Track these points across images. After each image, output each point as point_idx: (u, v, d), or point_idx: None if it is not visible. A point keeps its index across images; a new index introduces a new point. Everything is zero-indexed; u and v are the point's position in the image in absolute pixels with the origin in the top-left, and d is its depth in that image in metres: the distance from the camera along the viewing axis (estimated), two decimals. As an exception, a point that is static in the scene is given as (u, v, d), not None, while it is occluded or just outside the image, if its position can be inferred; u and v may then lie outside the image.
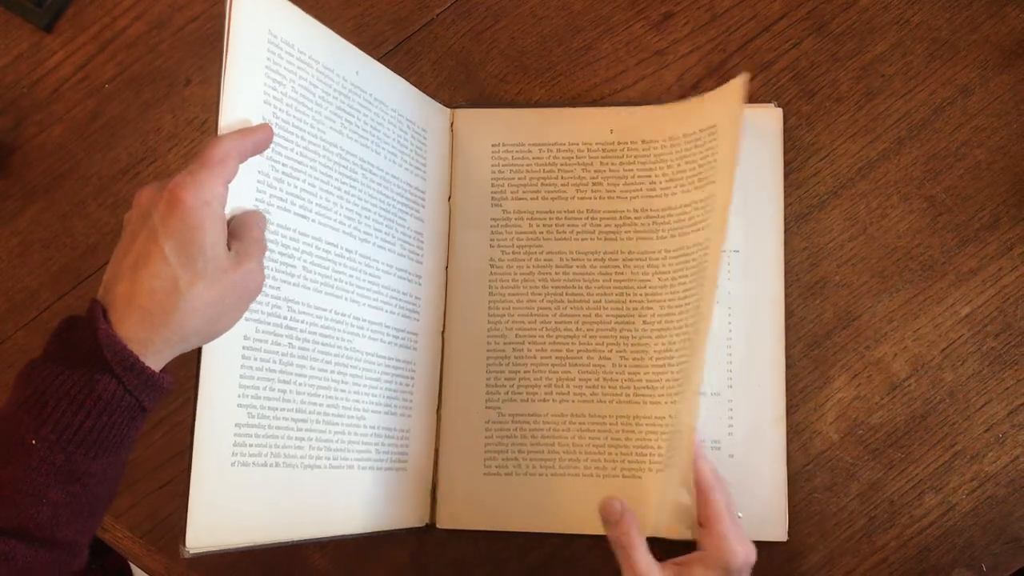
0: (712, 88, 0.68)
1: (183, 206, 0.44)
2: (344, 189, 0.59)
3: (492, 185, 0.68)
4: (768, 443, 0.64)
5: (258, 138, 0.50)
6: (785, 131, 0.67)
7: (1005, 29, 0.67)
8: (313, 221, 0.56)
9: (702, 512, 0.55)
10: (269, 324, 0.53)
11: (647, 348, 0.64)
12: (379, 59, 0.70)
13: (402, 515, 0.63)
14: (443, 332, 0.67)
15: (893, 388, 0.65)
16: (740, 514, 0.60)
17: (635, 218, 0.66)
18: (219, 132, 0.50)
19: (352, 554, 0.65)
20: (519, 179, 0.68)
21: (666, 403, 0.62)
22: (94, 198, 0.71)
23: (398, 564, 0.65)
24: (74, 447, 0.43)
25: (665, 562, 0.54)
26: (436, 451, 0.65)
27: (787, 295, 0.66)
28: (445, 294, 0.67)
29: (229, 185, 0.47)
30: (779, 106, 0.68)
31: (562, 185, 0.68)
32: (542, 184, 0.68)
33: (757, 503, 0.63)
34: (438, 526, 0.65)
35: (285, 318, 0.54)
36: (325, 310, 0.57)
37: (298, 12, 0.57)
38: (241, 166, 0.50)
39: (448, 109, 0.69)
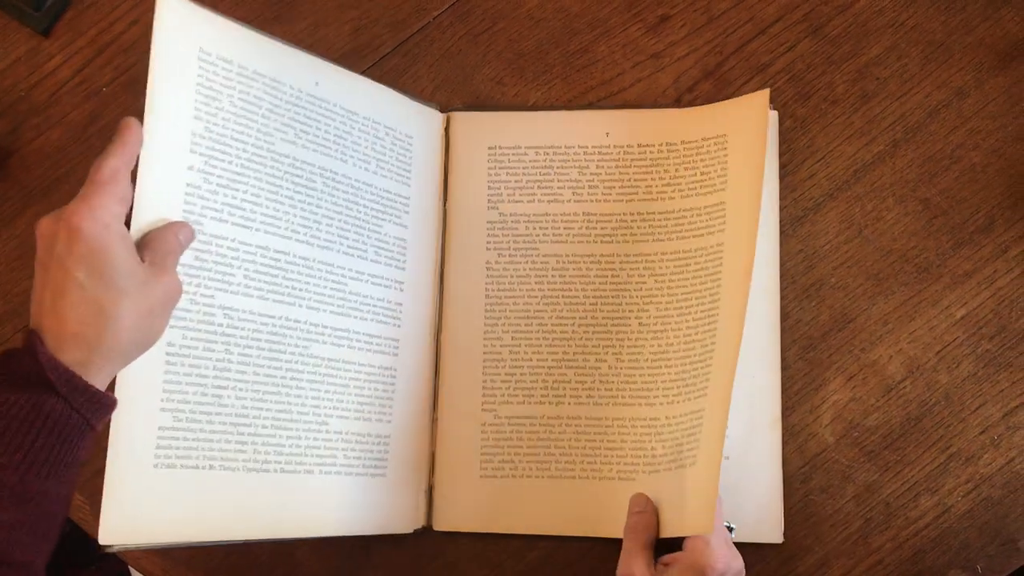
0: (708, 91, 0.69)
1: (83, 233, 0.45)
2: (299, 198, 0.60)
3: (489, 188, 0.68)
4: (764, 445, 0.64)
5: (130, 140, 0.50)
6: (781, 133, 0.68)
7: (1000, 32, 0.67)
8: (257, 231, 0.58)
9: None
10: (200, 331, 0.55)
11: (643, 350, 0.64)
12: (377, 61, 0.71)
13: (385, 521, 0.63)
14: (438, 336, 0.67)
15: (888, 390, 0.65)
16: (733, 525, 0.61)
17: (631, 221, 0.67)
18: (144, 151, 0.52)
19: (348, 556, 0.66)
20: (515, 182, 0.68)
21: (661, 404, 0.63)
22: (92, 201, 0.71)
23: (396, 565, 0.65)
24: (26, 468, 0.43)
25: (657, 560, 0.56)
26: (432, 454, 0.66)
27: (783, 297, 0.66)
28: (440, 298, 0.67)
29: (133, 197, 0.49)
30: (775, 109, 0.68)
31: (558, 188, 0.68)
32: (538, 187, 0.68)
33: (753, 505, 0.63)
34: (435, 528, 0.65)
35: (221, 325, 0.56)
36: (273, 316, 0.58)
37: (238, 29, 0.58)
38: (166, 179, 0.52)
39: (440, 113, 0.70)
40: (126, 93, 0.72)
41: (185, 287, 0.53)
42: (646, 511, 0.59)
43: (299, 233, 0.60)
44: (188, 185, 0.55)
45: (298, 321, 0.59)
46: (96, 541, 0.65)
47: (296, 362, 0.59)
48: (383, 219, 0.65)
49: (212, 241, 0.56)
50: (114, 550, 0.52)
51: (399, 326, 0.65)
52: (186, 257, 0.54)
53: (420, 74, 0.71)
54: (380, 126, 0.66)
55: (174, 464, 0.54)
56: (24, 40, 0.73)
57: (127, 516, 0.51)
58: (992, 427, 0.63)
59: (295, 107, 0.61)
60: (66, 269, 0.45)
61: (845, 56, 0.68)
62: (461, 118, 0.70)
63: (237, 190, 0.57)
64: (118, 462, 0.51)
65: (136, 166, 0.52)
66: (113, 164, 0.48)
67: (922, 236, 0.66)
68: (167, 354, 0.53)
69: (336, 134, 0.63)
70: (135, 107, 0.72)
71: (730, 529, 0.60)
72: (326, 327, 0.61)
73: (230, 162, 0.57)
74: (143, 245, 0.50)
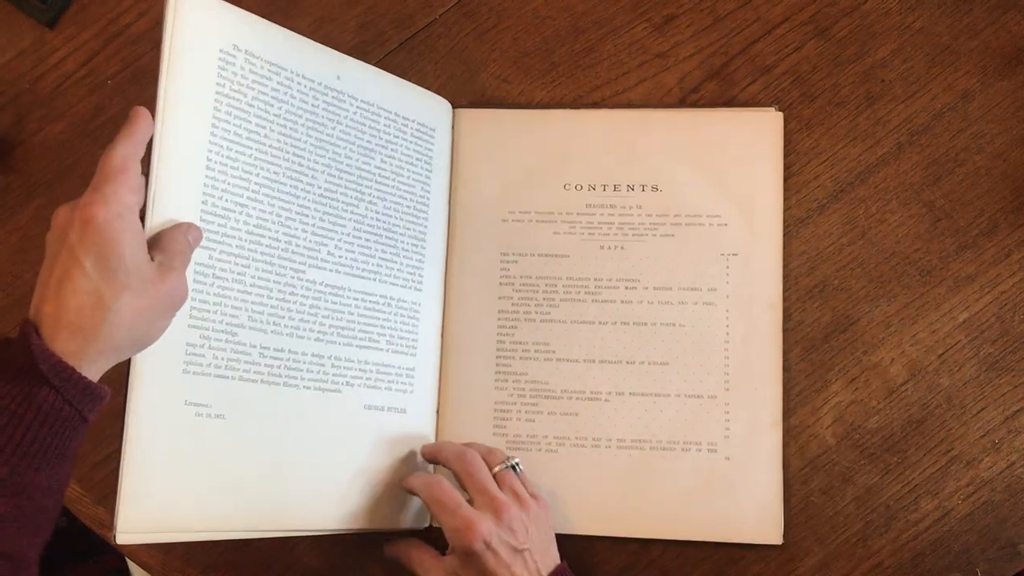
0: (713, 91, 0.69)
1: (96, 222, 0.45)
2: (320, 192, 0.61)
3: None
4: (765, 446, 0.64)
5: (140, 128, 0.50)
6: (785, 135, 0.68)
7: (1005, 36, 0.67)
8: (274, 223, 0.59)
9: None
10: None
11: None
12: (382, 58, 0.71)
13: (391, 515, 0.63)
14: (442, 337, 0.67)
15: (890, 392, 0.65)
16: (515, 462, 0.60)
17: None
18: (161, 147, 0.52)
19: (347, 553, 0.66)
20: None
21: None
22: (96, 194, 0.71)
23: (397, 565, 0.65)
24: (17, 459, 0.43)
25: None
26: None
27: (785, 299, 0.66)
28: (443, 302, 0.67)
29: (140, 189, 0.49)
30: (780, 110, 0.68)
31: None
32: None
33: (753, 506, 0.63)
34: (434, 524, 0.65)
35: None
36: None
37: (259, 22, 0.59)
38: (184, 177, 0.53)
39: (451, 106, 0.70)
40: (132, 85, 0.72)
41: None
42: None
43: (316, 227, 0.60)
44: (207, 177, 0.55)
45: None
46: (95, 534, 0.66)
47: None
48: (405, 213, 0.65)
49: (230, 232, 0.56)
50: (129, 542, 0.51)
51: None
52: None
53: (425, 71, 0.71)
54: (402, 118, 0.66)
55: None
56: (29, 32, 0.73)
57: (143, 510, 0.51)
58: (993, 431, 0.63)
59: (317, 100, 0.61)
60: (75, 256, 0.45)
61: (851, 58, 0.68)
62: (466, 115, 0.70)
63: (253, 183, 0.57)
64: (137, 447, 0.51)
65: (148, 156, 0.51)
66: (123, 152, 0.48)
67: (926, 239, 0.66)
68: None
69: (359, 127, 0.63)
70: (141, 99, 0.71)
71: (513, 468, 0.59)
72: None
73: (251, 155, 0.57)
74: (154, 244, 0.50)
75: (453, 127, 0.69)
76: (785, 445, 0.64)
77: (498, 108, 0.70)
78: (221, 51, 0.56)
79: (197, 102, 0.55)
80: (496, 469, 0.59)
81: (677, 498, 0.63)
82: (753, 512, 0.63)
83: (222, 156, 0.56)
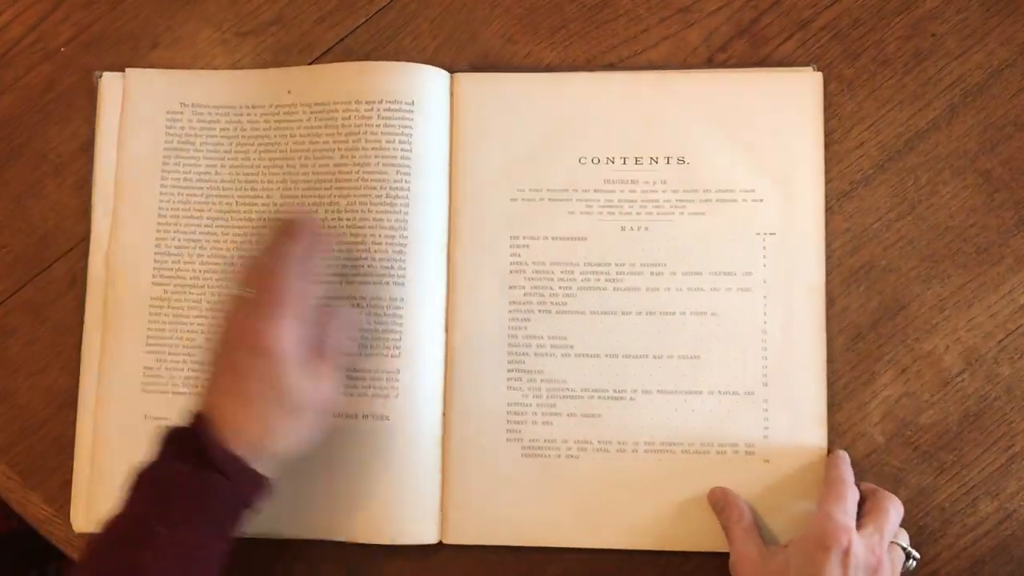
0: (743, 50, 0.62)
1: (268, 357, 0.49)
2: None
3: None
4: (807, 447, 0.58)
5: (305, 243, 0.52)
6: (825, 98, 0.61)
7: (1072, -19, 0.60)
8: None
9: None
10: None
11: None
12: (371, 17, 0.64)
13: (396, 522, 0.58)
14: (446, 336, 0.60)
15: (944, 384, 0.59)
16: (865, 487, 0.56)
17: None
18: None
19: (351, 566, 0.60)
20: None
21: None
22: (52, 177, 0.64)
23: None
24: (192, 533, 0.48)
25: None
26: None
27: (827, 282, 0.59)
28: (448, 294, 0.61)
29: (304, 310, 0.51)
30: (818, 70, 0.61)
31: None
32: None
33: (797, 511, 0.57)
34: (444, 542, 0.59)
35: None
36: None
37: (199, 76, 0.64)
38: (135, 229, 0.61)
39: (448, 73, 0.62)
40: (87, 53, 0.64)
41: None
42: (729, 500, 0.56)
43: None
44: (159, 224, 0.62)
45: None
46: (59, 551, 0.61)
47: None
48: (375, 204, 0.59)
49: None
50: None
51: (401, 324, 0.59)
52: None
53: (420, 31, 0.63)
54: (364, 104, 0.60)
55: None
56: (-32, -7, 0.64)
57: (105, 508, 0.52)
58: (1059, 424, 0.58)
59: (268, 123, 0.62)
60: (247, 378, 0.49)
61: (897, 10, 0.61)
62: (467, 80, 0.62)
63: (206, 218, 0.62)
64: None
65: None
66: (290, 277, 0.50)
67: (982, 212, 0.59)
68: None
69: (313, 133, 0.61)
70: (97, 69, 0.64)
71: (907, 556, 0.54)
72: None
73: (202, 194, 0.62)
74: (316, 353, 0.51)
75: (451, 95, 0.62)
76: (830, 444, 0.58)
77: (502, 72, 0.62)
78: (168, 112, 0.63)
79: (148, 163, 0.62)
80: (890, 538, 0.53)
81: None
82: (797, 518, 0.57)
83: (173, 202, 0.62)
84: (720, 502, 0.57)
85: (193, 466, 0.48)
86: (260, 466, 0.50)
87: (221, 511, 0.49)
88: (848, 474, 0.55)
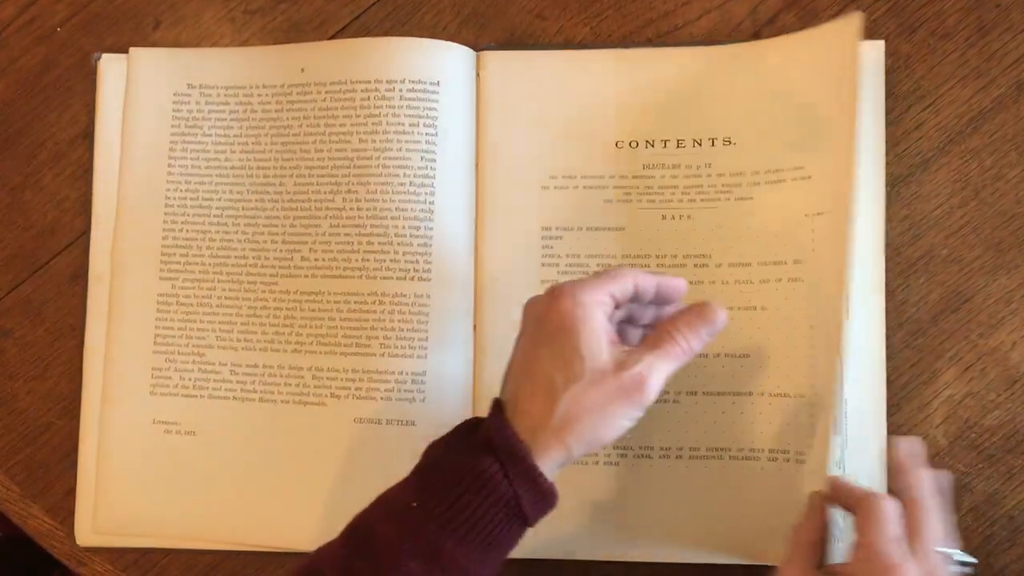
0: (791, 24, 0.57)
1: (558, 310, 0.45)
2: (296, 200, 0.58)
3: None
4: (865, 451, 0.54)
5: (671, 286, 0.48)
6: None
7: None
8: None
9: None
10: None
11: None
12: (389, -8, 0.59)
13: None
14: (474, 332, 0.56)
15: (1012, 383, 0.55)
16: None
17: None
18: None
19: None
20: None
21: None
22: (50, 166, 0.60)
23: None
24: (443, 522, 0.43)
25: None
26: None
27: (885, 272, 0.55)
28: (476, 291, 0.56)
29: (626, 296, 0.47)
30: (880, 38, 0.56)
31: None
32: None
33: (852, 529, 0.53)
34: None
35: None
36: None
37: (205, 55, 0.60)
38: (142, 223, 0.58)
39: (472, 52, 0.58)
40: (85, 34, 0.61)
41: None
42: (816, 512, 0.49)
43: (287, 234, 0.58)
44: (166, 215, 0.59)
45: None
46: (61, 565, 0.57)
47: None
48: (398, 193, 0.55)
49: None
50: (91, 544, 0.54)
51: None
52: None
53: (442, 6, 0.59)
54: (385, 83, 0.56)
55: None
56: (-43, -30, 0.60)
57: (107, 514, 0.54)
58: None
59: (280, 103, 0.58)
60: (535, 343, 0.45)
61: (958, -21, 0.57)
62: (494, 59, 0.58)
63: (215, 209, 0.59)
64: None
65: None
66: (629, 271, 0.46)
67: (1052, 197, 0.55)
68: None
69: (329, 113, 0.57)
70: (97, 51, 0.60)
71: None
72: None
73: (211, 182, 0.59)
74: (648, 341, 0.46)
75: (478, 75, 0.57)
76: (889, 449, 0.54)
77: (532, 49, 0.58)
78: (175, 94, 0.59)
79: (154, 150, 0.59)
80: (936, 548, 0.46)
81: (763, 517, 0.53)
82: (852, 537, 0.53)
83: (180, 191, 0.59)
84: (853, 495, 0.48)
85: (467, 447, 0.44)
86: (551, 458, 0.44)
87: (481, 505, 0.43)
88: (889, 507, 0.46)
